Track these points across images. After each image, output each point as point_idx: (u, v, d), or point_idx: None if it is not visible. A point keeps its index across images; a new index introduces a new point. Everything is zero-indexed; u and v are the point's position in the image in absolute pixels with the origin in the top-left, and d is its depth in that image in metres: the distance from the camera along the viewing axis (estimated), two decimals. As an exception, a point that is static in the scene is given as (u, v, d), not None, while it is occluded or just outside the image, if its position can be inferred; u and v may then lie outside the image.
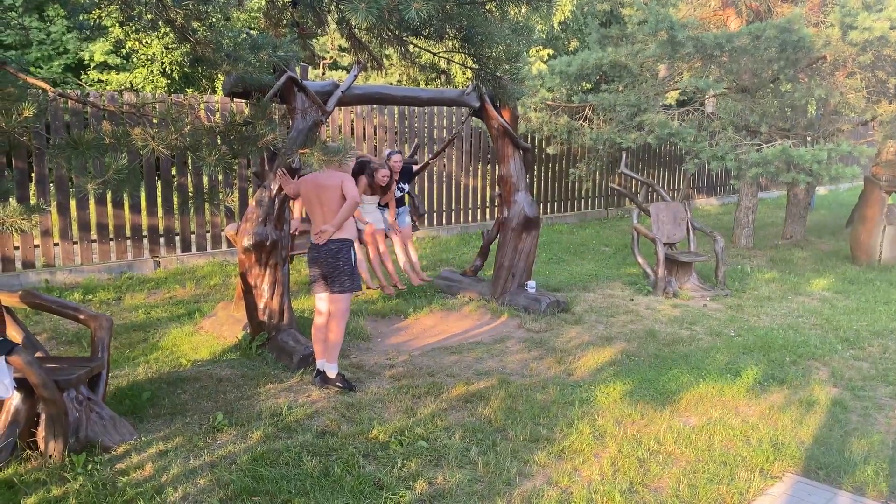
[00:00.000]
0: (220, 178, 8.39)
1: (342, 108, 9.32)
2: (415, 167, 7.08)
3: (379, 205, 6.45)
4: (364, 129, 9.70)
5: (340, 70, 14.49)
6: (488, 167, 11.65)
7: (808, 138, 8.60)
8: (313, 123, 4.78)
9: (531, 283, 6.58)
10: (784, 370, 4.93)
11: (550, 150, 11.02)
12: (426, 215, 10.19)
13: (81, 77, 12.32)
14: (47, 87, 3.26)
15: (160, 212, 7.97)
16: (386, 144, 10.02)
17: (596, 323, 6.11)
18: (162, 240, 8.02)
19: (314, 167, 4.47)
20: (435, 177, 10.59)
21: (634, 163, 13.34)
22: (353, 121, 9.80)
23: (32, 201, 7.02)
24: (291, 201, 6.44)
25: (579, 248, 9.85)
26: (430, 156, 7.35)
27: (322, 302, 4.59)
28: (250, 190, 9.30)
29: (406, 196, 7.12)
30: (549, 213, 12.29)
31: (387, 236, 6.71)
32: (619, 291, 7.30)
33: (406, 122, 10.16)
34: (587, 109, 10.22)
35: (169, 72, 12.06)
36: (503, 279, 6.62)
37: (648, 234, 7.53)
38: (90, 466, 3.43)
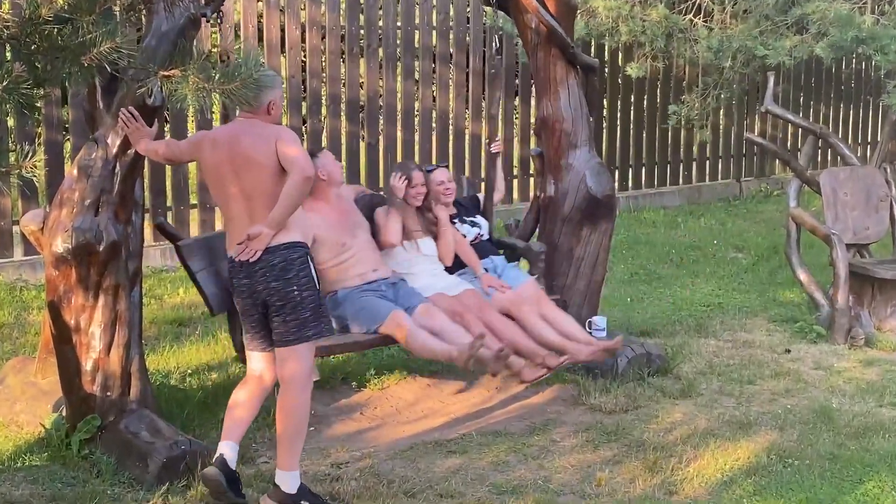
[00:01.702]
0: (12, 123, 8.37)
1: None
2: (482, 196, 6.78)
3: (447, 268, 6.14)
4: (284, 30, 9.70)
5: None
6: (517, 104, 11.67)
7: None
8: (187, 22, 4.77)
9: (599, 321, 6.57)
10: None
11: (633, 71, 11.05)
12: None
13: None
14: None
15: None
16: (324, 59, 10.02)
17: (720, 395, 6.10)
18: None
19: (190, 103, 4.45)
20: (417, 119, 10.60)
21: (790, 93, 13.37)
22: (261, 15, 9.79)
23: None
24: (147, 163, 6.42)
25: (688, 253, 9.83)
26: (487, 141, 6.73)
27: (258, 361, 4.66)
28: (68, 146, 9.28)
29: (484, 237, 6.58)
30: (633, 188, 12.31)
31: None
32: (762, 335, 7.29)
33: (362, 19, 10.17)
34: (702, -6, 10.23)
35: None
36: (546, 313, 6.61)
37: (818, 226, 7.51)
38: None
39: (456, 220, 6.35)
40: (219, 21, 4.82)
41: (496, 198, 6.80)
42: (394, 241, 5.90)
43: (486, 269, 6.21)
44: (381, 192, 6.50)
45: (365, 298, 5.63)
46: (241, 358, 5.24)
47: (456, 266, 6.19)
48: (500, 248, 6.64)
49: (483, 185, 7.01)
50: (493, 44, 7.06)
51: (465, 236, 6.30)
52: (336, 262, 5.65)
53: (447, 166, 6.66)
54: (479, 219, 6.57)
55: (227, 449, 4.56)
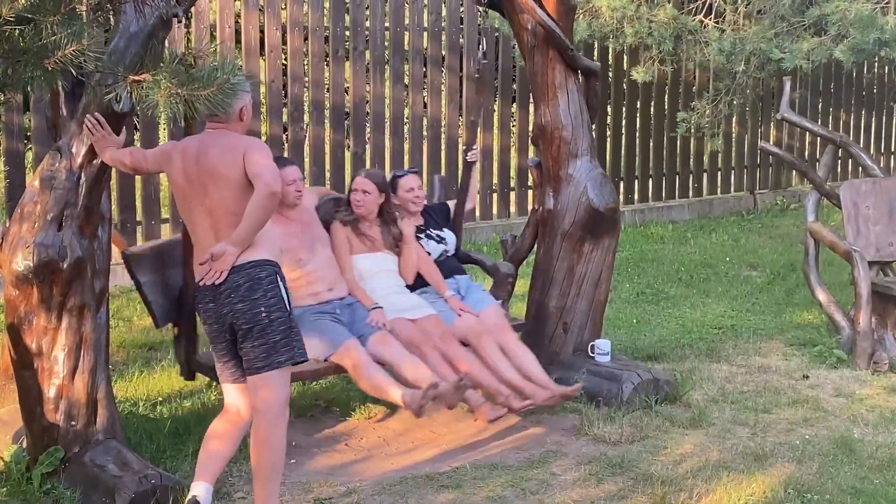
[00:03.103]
0: (-30, 131, 8.38)
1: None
2: (451, 204, 6.85)
3: (408, 285, 6.25)
4: (263, 31, 9.72)
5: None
6: (514, 110, 11.68)
7: None
8: (158, 22, 4.78)
9: (602, 344, 6.58)
10: None
11: (640, 76, 11.11)
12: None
13: None
14: None
15: None
16: (307, 63, 10.04)
17: (733, 424, 6.10)
18: None
19: (160, 110, 4.47)
20: (407, 127, 10.62)
21: (808, 100, 13.41)
22: (239, 15, 9.80)
23: None
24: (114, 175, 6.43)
25: (699, 271, 9.85)
26: (465, 148, 6.86)
27: (232, 393, 4.66)
28: (29, 156, 9.26)
29: (450, 253, 6.66)
30: (639, 201, 12.33)
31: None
32: (778, 360, 7.30)
33: (347, 19, 10.19)
34: (713, -8, 10.27)
35: None
36: (545, 335, 6.63)
37: (838, 242, 7.53)
38: None
39: (421, 236, 6.43)
40: (180, 21, 4.82)
41: (468, 207, 6.90)
42: (342, 262, 6.06)
43: (459, 283, 6.46)
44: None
45: (319, 322, 5.71)
46: (186, 375, 5.74)
47: (418, 282, 6.30)
48: (467, 262, 6.78)
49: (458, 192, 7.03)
50: (481, 46, 7.10)
51: (429, 253, 6.41)
52: (290, 279, 5.48)
53: (418, 172, 6.78)
54: (446, 232, 6.62)
55: (202, 490, 4.55)
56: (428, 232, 6.52)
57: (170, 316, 5.65)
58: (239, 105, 4.57)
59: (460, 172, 10.75)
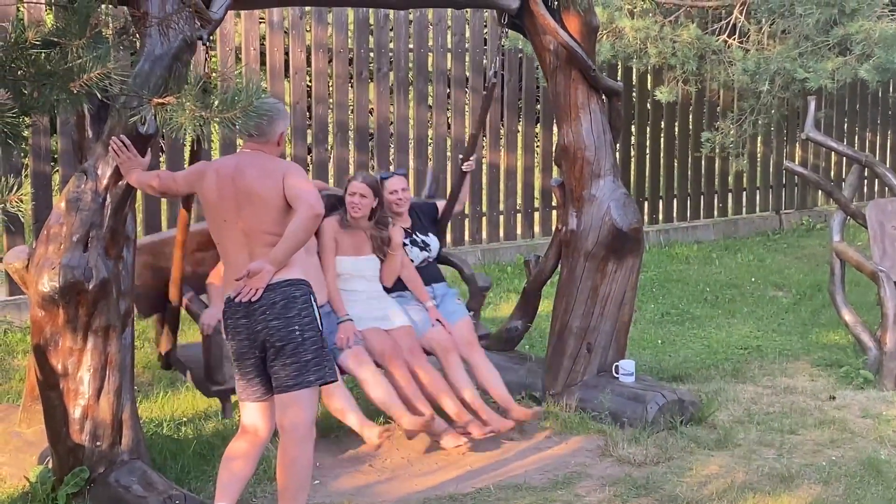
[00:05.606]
0: (-3, 153, 8.45)
1: (243, 11, 9.39)
2: (440, 204, 6.96)
3: (385, 287, 6.40)
4: (288, 53, 9.78)
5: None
6: (538, 130, 11.69)
7: None
8: (183, 44, 4.81)
9: (626, 365, 6.57)
10: None
11: (664, 96, 11.11)
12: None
13: None
14: None
15: None
16: (331, 84, 10.09)
17: (759, 446, 6.08)
18: None
19: (187, 132, 4.49)
20: (431, 148, 10.65)
21: (833, 119, 13.36)
22: (265, 37, 9.87)
23: None
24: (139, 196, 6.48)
25: (724, 291, 9.82)
26: (462, 157, 6.93)
27: (252, 412, 4.66)
28: (57, 178, 9.33)
29: (431, 260, 6.80)
30: (663, 221, 12.31)
31: (426, 351, 6.37)
32: (805, 381, 7.27)
33: (371, 41, 10.24)
34: (737, 12, 10.28)
35: None
36: (569, 356, 6.62)
37: (864, 262, 7.49)
38: None
39: (407, 242, 6.51)
40: (204, 43, 4.85)
41: (456, 210, 7.03)
42: (326, 262, 6.13)
43: (435, 291, 6.57)
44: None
45: None
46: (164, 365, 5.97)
47: (396, 285, 6.42)
48: (444, 263, 6.94)
49: (449, 193, 7.13)
50: (494, 64, 7.11)
51: (412, 261, 6.53)
52: None
53: (406, 174, 6.87)
54: (431, 238, 6.72)
55: None
56: (414, 237, 6.61)
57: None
58: (279, 129, 4.64)
59: (484, 193, 10.84)
